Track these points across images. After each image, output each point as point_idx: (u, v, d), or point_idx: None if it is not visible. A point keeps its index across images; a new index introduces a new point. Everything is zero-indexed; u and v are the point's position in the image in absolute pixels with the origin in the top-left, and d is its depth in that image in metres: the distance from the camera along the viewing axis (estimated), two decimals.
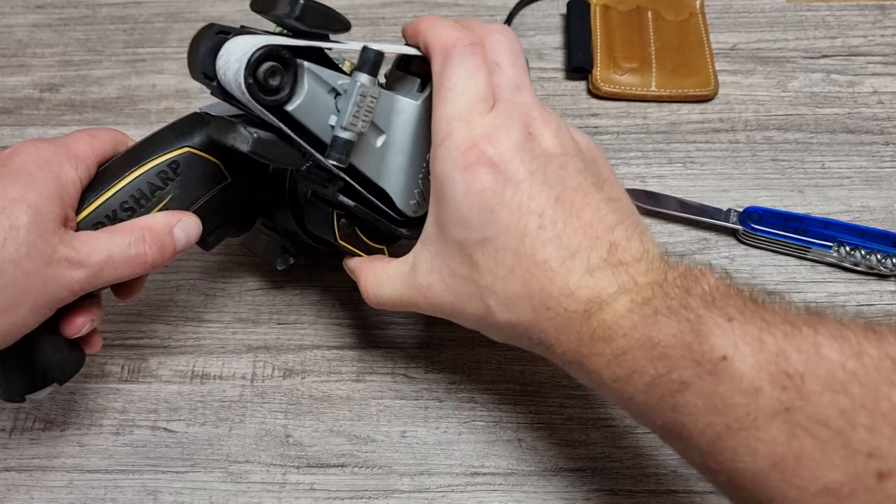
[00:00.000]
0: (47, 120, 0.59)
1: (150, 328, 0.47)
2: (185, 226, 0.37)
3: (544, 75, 0.60)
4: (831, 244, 0.48)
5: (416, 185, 0.39)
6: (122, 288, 0.39)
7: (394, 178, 0.38)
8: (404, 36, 0.38)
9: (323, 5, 0.33)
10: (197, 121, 0.39)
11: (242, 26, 0.36)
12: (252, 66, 0.31)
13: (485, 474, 0.42)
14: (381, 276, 0.38)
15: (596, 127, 0.57)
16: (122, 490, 0.41)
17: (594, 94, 0.58)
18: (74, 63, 0.62)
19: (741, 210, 0.50)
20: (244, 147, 0.33)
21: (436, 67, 0.34)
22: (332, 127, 0.34)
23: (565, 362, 0.32)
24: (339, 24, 0.34)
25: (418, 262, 0.36)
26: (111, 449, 0.43)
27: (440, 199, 0.34)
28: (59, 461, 0.43)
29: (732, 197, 0.52)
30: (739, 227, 0.49)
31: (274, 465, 0.42)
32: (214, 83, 0.34)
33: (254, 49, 0.31)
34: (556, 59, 0.61)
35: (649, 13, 0.61)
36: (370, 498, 0.41)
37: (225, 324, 0.47)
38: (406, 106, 0.37)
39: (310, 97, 0.34)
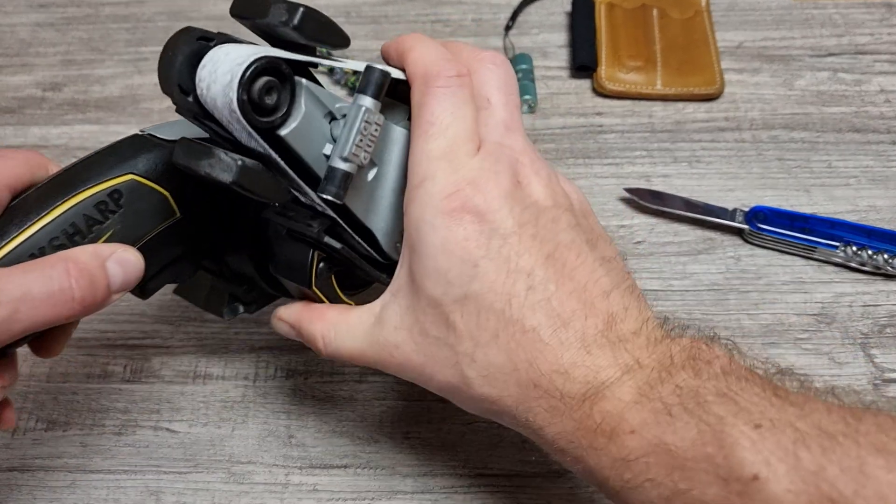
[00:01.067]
0: (50, 119, 0.58)
1: (152, 328, 0.47)
2: (120, 259, 0.30)
3: (548, 74, 0.59)
4: (838, 244, 0.47)
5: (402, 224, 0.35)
6: (44, 340, 0.33)
7: (382, 217, 0.34)
8: (384, 56, 0.34)
9: (322, 15, 0.30)
10: (141, 144, 0.33)
11: (220, 32, 0.31)
12: (247, 80, 0.27)
13: (489, 476, 0.41)
14: (339, 327, 0.33)
15: (601, 126, 0.56)
16: (124, 490, 0.41)
17: (599, 92, 0.58)
18: (77, 62, 0.62)
19: (747, 209, 0.50)
20: (226, 177, 0.28)
21: (416, 97, 0.31)
22: (327, 157, 0.30)
23: (556, 450, 0.29)
24: (339, 37, 0.31)
25: (386, 316, 0.31)
26: (113, 449, 0.43)
27: (415, 247, 0.30)
28: (61, 461, 0.42)
29: (738, 196, 0.52)
30: (745, 226, 0.49)
31: (276, 465, 0.42)
32: (190, 98, 0.29)
33: (250, 60, 0.27)
34: (561, 58, 0.61)
35: (654, 11, 0.61)
36: (373, 499, 0.41)
37: (227, 324, 0.47)
38: (399, 135, 0.33)
39: (306, 121, 0.30)
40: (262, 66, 0.28)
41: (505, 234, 0.29)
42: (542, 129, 0.56)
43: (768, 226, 0.49)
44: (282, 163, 0.30)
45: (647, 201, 0.51)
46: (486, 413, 0.31)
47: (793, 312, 0.46)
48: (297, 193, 0.32)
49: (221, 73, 0.28)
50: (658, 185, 0.52)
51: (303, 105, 0.30)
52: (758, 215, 0.49)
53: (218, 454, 0.42)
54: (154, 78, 0.62)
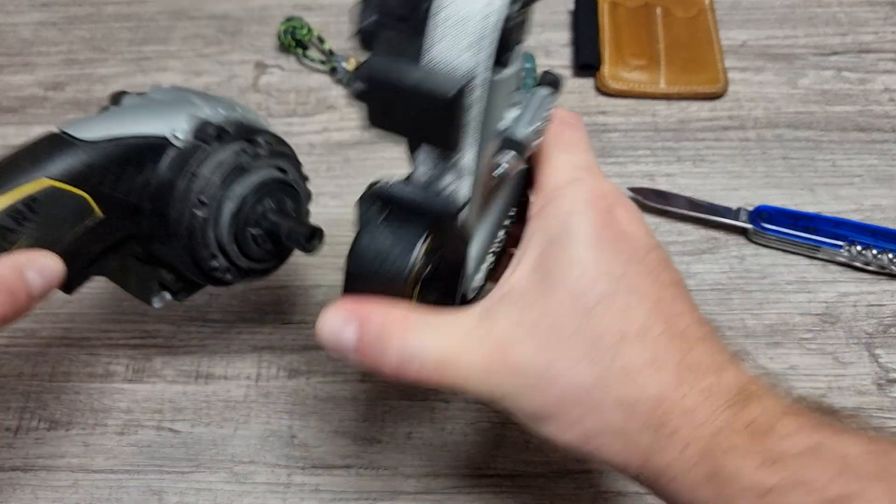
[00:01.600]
0: (52, 119, 0.58)
1: (154, 328, 0.47)
2: (40, 268, 0.29)
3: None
4: (842, 243, 0.47)
5: (484, 259, 0.32)
6: None
7: (475, 245, 0.31)
8: None
9: None
10: (57, 144, 0.32)
11: None
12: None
13: (491, 476, 0.41)
14: (426, 326, 0.28)
15: (604, 125, 0.56)
16: (126, 490, 0.41)
17: (602, 91, 0.58)
18: (79, 61, 0.62)
19: (751, 209, 0.49)
20: (447, 89, 0.24)
21: (552, 130, 0.32)
22: (500, 130, 0.28)
23: (683, 459, 0.27)
24: None
25: (497, 315, 0.28)
26: (116, 449, 0.43)
27: (559, 238, 0.28)
28: (63, 461, 0.42)
29: (742, 195, 0.51)
30: (749, 225, 0.49)
31: (279, 465, 0.42)
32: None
33: None
34: (564, 56, 0.60)
35: (658, 9, 0.61)
36: (376, 499, 0.41)
37: (229, 324, 0.47)
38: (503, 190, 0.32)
39: (510, 79, 0.27)
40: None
41: (646, 249, 0.29)
42: None
43: (772, 225, 0.48)
44: (479, 103, 0.26)
45: (650, 200, 0.51)
46: (616, 426, 0.27)
47: (797, 312, 0.46)
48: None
49: None
50: (662, 185, 0.52)
51: (517, 62, 0.28)
52: (762, 215, 0.49)
53: (220, 454, 0.42)
54: (156, 77, 0.63)
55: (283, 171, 0.37)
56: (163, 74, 0.60)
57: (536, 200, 0.30)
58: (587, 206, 0.29)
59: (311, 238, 0.36)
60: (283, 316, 0.47)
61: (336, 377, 0.45)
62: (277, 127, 0.56)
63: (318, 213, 0.49)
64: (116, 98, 0.37)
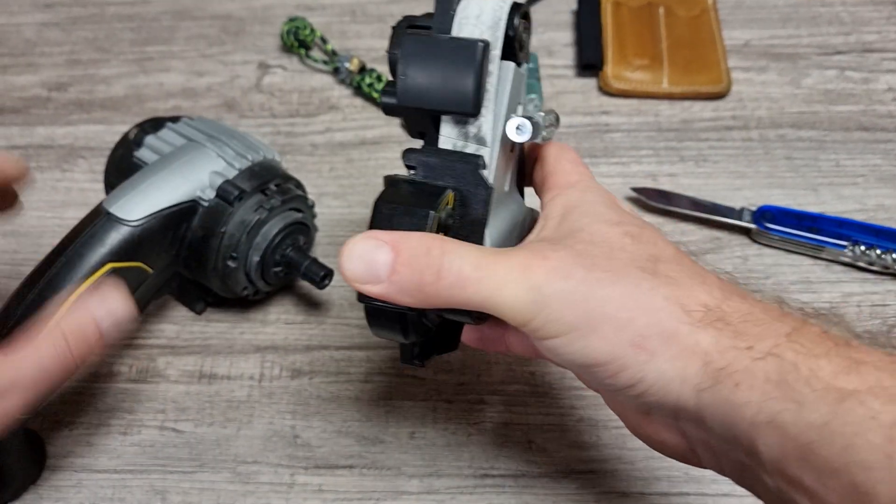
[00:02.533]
0: (55, 119, 0.58)
1: (157, 328, 0.47)
2: (109, 311, 0.32)
3: (554, 72, 0.59)
4: (846, 243, 0.47)
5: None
6: None
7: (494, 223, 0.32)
8: None
9: None
10: (111, 228, 0.38)
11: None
12: (514, 10, 0.31)
13: (494, 476, 0.41)
14: (455, 243, 0.28)
15: (607, 125, 0.56)
16: (130, 490, 0.41)
17: (605, 91, 0.58)
18: (82, 62, 0.62)
19: (754, 209, 0.49)
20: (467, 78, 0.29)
21: (551, 153, 0.34)
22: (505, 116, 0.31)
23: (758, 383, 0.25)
24: None
25: (528, 244, 0.30)
26: (119, 449, 0.43)
27: (578, 204, 0.31)
28: (67, 461, 0.42)
29: (745, 195, 0.51)
30: (753, 225, 0.49)
31: (282, 465, 0.42)
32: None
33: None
34: (567, 56, 0.60)
35: (661, 9, 0.61)
36: (379, 499, 0.41)
37: (232, 324, 0.47)
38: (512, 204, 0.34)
39: (521, 75, 0.32)
40: (524, 12, 0.31)
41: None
42: None
43: (776, 225, 0.48)
44: (494, 78, 0.30)
45: (653, 200, 0.50)
46: (642, 341, 0.26)
47: None
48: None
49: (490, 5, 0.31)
50: (665, 185, 0.52)
51: (525, 65, 0.33)
52: (765, 214, 0.49)
53: (223, 454, 0.42)
54: (158, 77, 0.63)
55: (295, 209, 0.44)
56: (166, 75, 0.61)
57: (548, 194, 0.32)
58: (598, 191, 0.32)
59: (324, 278, 0.43)
60: (287, 316, 0.47)
61: (339, 377, 0.45)
62: (280, 127, 0.57)
63: (321, 213, 0.49)
64: (139, 139, 0.45)
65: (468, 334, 0.35)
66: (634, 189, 0.51)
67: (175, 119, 0.46)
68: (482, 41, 0.29)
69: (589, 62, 0.58)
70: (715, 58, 0.58)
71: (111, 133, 0.57)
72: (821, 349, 0.24)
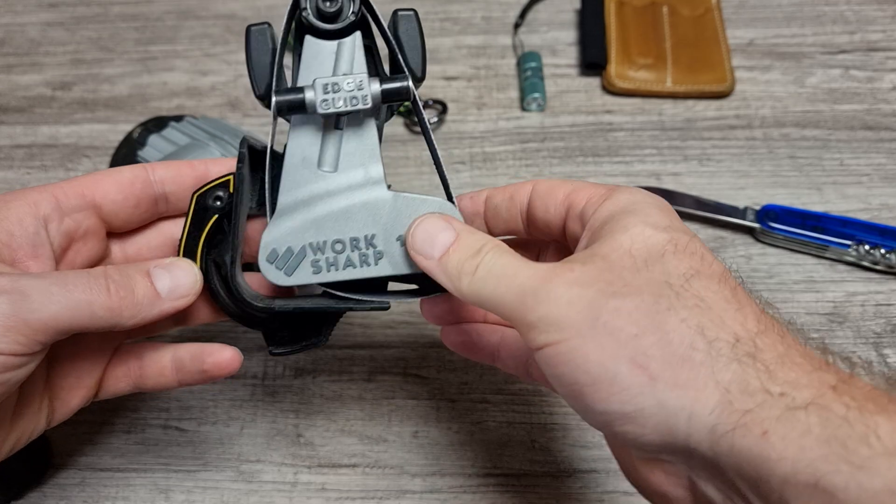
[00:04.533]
0: (59, 118, 0.59)
1: None
2: (166, 265, 0.32)
3: (558, 71, 0.59)
4: (850, 242, 0.47)
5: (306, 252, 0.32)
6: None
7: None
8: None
9: None
10: None
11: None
12: None
13: (497, 475, 0.41)
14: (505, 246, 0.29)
15: (610, 124, 0.56)
16: (133, 488, 0.41)
17: (609, 90, 0.58)
18: (86, 61, 0.62)
19: (758, 208, 0.49)
20: None
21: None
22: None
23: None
24: None
25: (555, 265, 0.28)
26: (123, 447, 0.43)
27: (608, 226, 0.28)
28: (71, 459, 0.43)
29: (749, 195, 0.51)
30: (756, 225, 0.48)
31: (285, 464, 0.42)
32: None
33: None
34: (570, 55, 0.60)
35: (664, 8, 0.60)
36: (382, 498, 0.41)
37: (235, 322, 0.47)
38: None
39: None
40: None
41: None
42: (552, 127, 0.56)
43: (780, 224, 0.48)
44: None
45: None
46: (649, 362, 0.24)
47: (804, 312, 0.46)
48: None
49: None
50: (668, 184, 0.52)
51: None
52: (769, 214, 0.49)
53: (227, 453, 0.42)
54: (162, 76, 0.63)
55: None
56: (169, 74, 0.61)
57: (588, 210, 0.30)
58: (647, 192, 0.30)
59: None
60: None
61: (342, 376, 0.45)
62: (283, 126, 0.57)
63: None
64: (142, 138, 0.44)
65: (450, 338, 0.36)
66: (637, 188, 0.51)
67: (178, 118, 0.46)
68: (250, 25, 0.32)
69: (592, 61, 0.58)
70: (719, 57, 0.58)
71: (115, 132, 0.57)
72: (874, 406, 0.21)
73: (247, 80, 0.59)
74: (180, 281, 0.32)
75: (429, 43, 0.34)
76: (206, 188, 0.33)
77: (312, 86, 0.30)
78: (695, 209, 0.50)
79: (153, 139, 0.44)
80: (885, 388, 0.23)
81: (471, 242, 0.29)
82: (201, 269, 0.33)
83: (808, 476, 0.21)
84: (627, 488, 0.40)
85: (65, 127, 0.58)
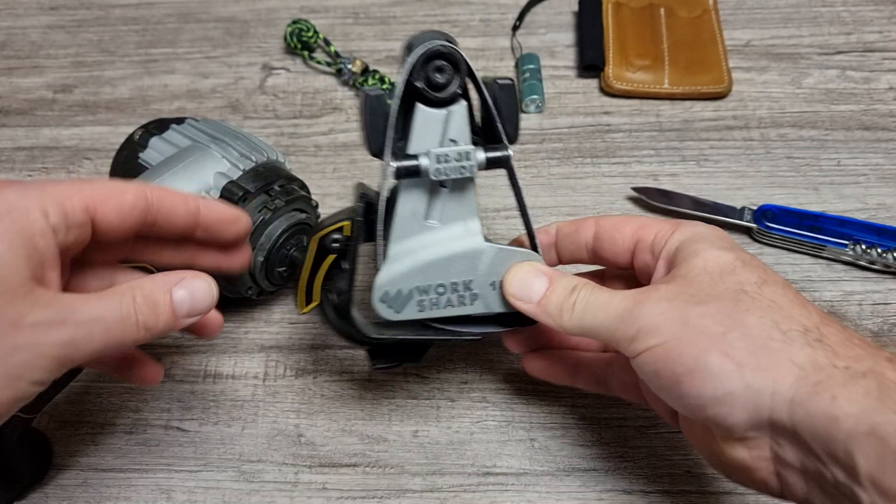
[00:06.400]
0: (61, 121, 0.59)
1: None
2: (188, 286, 0.32)
3: (556, 73, 0.59)
4: (847, 242, 0.47)
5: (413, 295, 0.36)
6: (122, 365, 0.36)
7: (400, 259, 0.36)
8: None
9: None
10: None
11: None
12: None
13: (497, 474, 0.41)
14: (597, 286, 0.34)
15: (608, 125, 0.56)
16: (135, 489, 0.42)
17: (606, 91, 0.58)
18: (87, 64, 0.63)
19: (755, 208, 0.49)
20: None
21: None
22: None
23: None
24: None
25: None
26: (125, 448, 0.43)
27: (682, 255, 0.33)
28: (73, 460, 0.43)
29: (746, 195, 0.52)
30: (754, 225, 0.49)
31: (286, 464, 0.42)
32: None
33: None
34: (568, 57, 0.61)
35: (662, 10, 0.61)
36: (382, 497, 0.41)
37: (237, 323, 0.48)
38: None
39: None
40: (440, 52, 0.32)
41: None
42: (550, 129, 0.56)
43: (777, 224, 0.48)
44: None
45: (655, 200, 0.51)
46: (733, 350, 0.29)
47: None
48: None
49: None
50: (666, 184, 0.52)
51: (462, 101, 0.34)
52: (766, 214, 0.49)
53: (228, 453, 0.43)
54: (163, 79, 0.63)
55: (298, 209, 0.44)
56: (170, 77, 0.61)
57: (658, 243, 0.35)
58: (705, 224, 0.35)
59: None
60: (291, 316, 0.48)
61: (343, 376, 0.45)
62: (284, 128, 0.57)
63: (325, 213, 0.50)
64: (144, 140, 0.45)
65: (533, 364, 0.41)
66: (636, 189, 0.51)
67: (180, 120, 0.46)
68: (366, 91, 0.33)
69: (590, 63, 0.58)
70: (716, 58, 0.58)
71: (116, 134, 0.57)
72: None
73: (247, 82, 0.60)
74: (198, 304, 0.32)
75: None
76: (324, 232, 0.37)
77: (427, 154, 0.34)
78: (692, 209, 0.50)
79: (154, 141, 0.45)
80: None
81: (564, 283, 0.34)
82: (319, 300, 0.38)
83: (866, 427, 0.25)
84: (627, 487, 0.41)
85: (66, 129, 0.58)
